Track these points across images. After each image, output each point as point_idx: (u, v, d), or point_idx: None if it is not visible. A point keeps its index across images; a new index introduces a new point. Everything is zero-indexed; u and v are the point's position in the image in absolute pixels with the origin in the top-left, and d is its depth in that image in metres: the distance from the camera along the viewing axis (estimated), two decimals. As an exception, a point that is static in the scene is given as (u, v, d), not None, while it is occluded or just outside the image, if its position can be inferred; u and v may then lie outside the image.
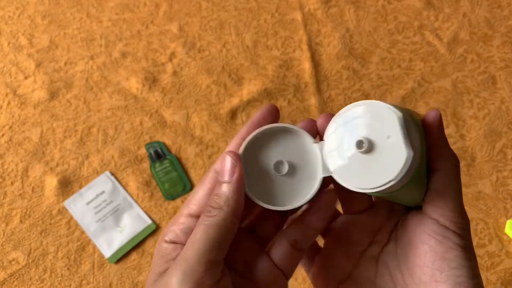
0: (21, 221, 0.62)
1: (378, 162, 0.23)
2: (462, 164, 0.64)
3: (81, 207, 0.62)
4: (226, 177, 0.24)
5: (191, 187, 0.64)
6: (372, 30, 0.77)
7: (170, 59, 0.75)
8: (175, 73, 0.73)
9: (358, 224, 0.29)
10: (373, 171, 0.23)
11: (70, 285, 0.58)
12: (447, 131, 0.66)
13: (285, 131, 0.26)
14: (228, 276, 0.24)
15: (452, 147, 0.30)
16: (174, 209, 0.62)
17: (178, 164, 0.65)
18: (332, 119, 0.25)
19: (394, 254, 0.27)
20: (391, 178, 0.22)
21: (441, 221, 0.24)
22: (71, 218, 0.62)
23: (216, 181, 0.25)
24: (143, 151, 0.66)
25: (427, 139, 0.24)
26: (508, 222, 0.59)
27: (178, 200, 0.63)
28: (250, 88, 0.71)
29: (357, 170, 0.24)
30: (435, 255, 0.24)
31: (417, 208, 0.26)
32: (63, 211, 0.62)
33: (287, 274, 0.26)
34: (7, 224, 0.62)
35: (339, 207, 0.29)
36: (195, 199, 0.26)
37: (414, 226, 0.26)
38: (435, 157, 0.25)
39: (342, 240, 0.29)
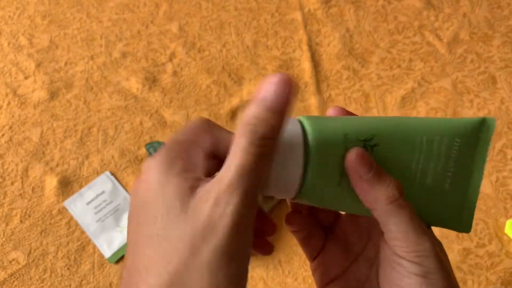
0: (21, 221, 0.62)
1: None
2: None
3: (81, 207, 0.62)
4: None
5: (191, 187, 0.64)
6: (372, 30, 0.77)
7: (170, 59, 0.75)
8: (175, 73, 0.73)
9: (356, 225, 0.29)
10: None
11: (70, 285, 0.58)
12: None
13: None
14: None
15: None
16: (174, 209, 0.62)
17: (178, 164, 0.65)
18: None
19: None
20: None
21: (394, 250, 0.24)
22: (71, 218, 0.62)
23: None
24: (143, 151, 0.66)
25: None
26: (508, 222, 0.59)
27: (178, 200, 0.63)
28: (250, 88, 0.71)
29: None
30: (392, 281, 0.24)
31: None
32: (63, 211, 0.62)
33: None
34: (7, 224, 0.62)
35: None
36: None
37: (382, 244, 0.25)
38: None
39: (341, 238, 0.29)
